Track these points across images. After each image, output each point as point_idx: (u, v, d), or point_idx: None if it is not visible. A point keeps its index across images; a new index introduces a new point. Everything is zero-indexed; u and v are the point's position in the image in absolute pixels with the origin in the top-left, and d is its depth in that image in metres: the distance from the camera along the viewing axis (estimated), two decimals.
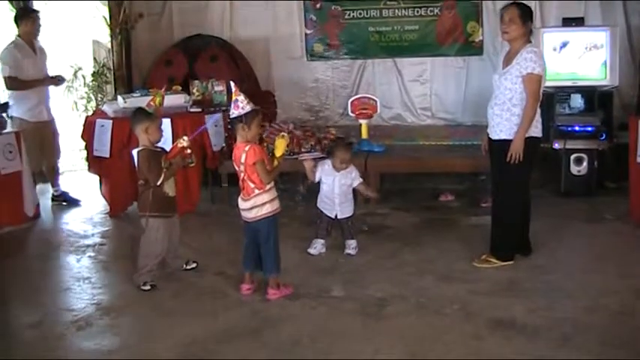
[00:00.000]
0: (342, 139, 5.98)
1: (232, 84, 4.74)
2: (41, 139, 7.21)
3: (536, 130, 5.02)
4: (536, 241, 5.44)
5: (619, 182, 7.14)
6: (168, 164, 4.84)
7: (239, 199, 4.70)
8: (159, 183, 4.82)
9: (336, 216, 5.56)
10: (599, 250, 5.60)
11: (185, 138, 4.87)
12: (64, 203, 7.49)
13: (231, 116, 4.57)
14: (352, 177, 5.56)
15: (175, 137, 6.44)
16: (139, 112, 5.11)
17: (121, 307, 4.68)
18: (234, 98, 4.56)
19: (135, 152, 5.00)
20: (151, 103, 5.72)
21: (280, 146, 4.66)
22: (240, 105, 4.51)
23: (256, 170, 4.52)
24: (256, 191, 4.58)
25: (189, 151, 4.89)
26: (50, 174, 7.54)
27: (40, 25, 7.26)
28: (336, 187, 5.50)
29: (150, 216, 4.87)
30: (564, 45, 7.37)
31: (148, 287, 4.87)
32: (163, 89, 6.27)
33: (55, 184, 7.61)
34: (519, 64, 4.93)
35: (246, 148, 4.53)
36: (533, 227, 5.41)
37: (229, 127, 4.58)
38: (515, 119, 4.95)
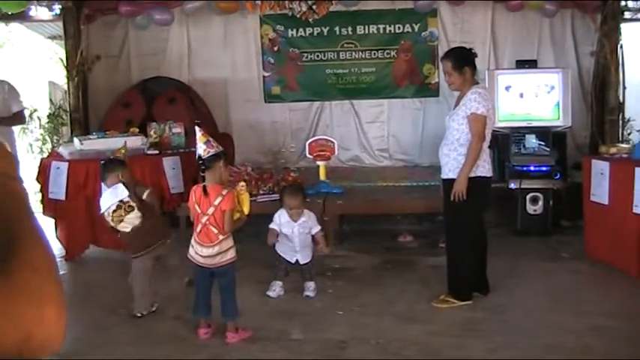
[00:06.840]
0: (289, 186, 5.93)
1: (197, 128, 4.64)
2: None
3: (483, 170, 5.09)
4: (494, 280, 5.48)
5: (574, 221, 7.27)
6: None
7: (197, 246, 4.56)
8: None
9: (296, 261, 5.54)
10: (556, 288, 5.66)
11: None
12: None
13: (208, 155, 4.45)
14: (310, 225, 5.52)
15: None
16: (115, 162, 5.39)
17: (77, 353, 4.55)
18: (205, 139, 4.49)
19: (146, 192, 5.28)
20: (118, 153, 5.76)
21: (247, 201, 4.65)
22: (214, 144, 4.50)
23: (224, 217, 4.47)
24: (220, 237, 4.50)
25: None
26: None
27: None
28: (295, 236, 5.48)
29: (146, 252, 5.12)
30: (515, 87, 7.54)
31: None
32: (124, 143, 6.22)
33: None
34: (465, 104, 5.05)
35: (224, 192, 4.47)
36: (491, 266, 5.45)
37: (202, 168, 4.48)
38: (462, 159, 5.02)
